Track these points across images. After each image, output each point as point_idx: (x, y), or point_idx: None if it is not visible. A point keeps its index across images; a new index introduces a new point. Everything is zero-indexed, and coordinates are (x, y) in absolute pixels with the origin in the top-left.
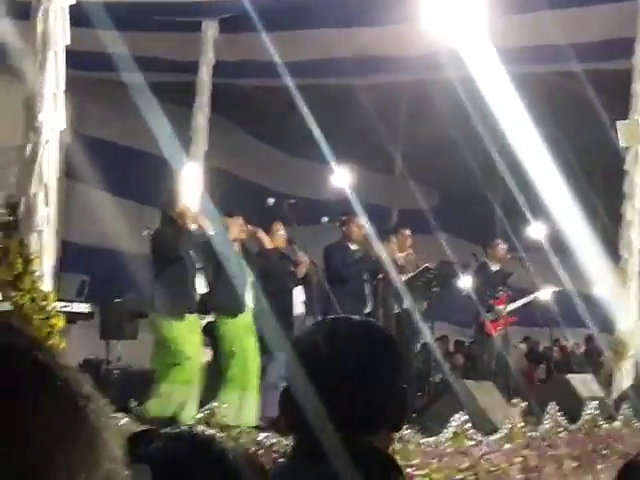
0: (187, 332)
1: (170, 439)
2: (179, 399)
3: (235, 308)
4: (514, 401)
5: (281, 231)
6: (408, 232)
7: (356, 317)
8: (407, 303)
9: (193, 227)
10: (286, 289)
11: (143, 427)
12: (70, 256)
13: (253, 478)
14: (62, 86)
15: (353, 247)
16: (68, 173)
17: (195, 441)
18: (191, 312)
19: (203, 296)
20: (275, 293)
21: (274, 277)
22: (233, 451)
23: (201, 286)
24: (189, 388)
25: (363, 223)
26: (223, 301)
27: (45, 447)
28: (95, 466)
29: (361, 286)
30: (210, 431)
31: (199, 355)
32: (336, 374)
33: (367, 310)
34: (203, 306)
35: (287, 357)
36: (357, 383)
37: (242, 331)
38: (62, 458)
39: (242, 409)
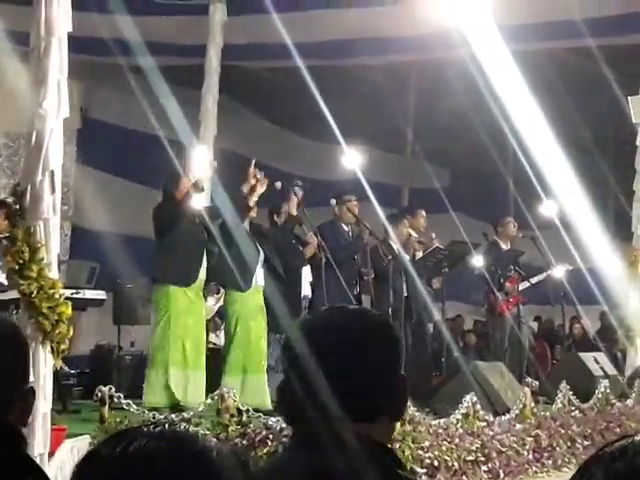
0: (184, 313)
1: (151, 438)
2: (174, 384)
3: (242, 283)
4: (526, 381)
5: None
6: (423, 213)
7: (351, 306)
8: (417, 284)
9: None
10: (294, 267)
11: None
12: (80, 242)
13: (238, 476)
14: (65, 73)
15: (346, 228)
16: (78, 158)
17: (177, 440)
18: (189, 282)
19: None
20: (285, 271)
21: (284, 254)
22: (217, 449)
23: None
24: (184, 372)
25: (355, 204)
26: (230, 275)
27: None
28: None
29: (352, 269)
30: (193, 428)
31: (197, 337)
32: (332, 364)
33: (355, 293)
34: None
35: (284, 348)
36: (353, 372)
37: (250, 312)
38: None
39: (243, 393)
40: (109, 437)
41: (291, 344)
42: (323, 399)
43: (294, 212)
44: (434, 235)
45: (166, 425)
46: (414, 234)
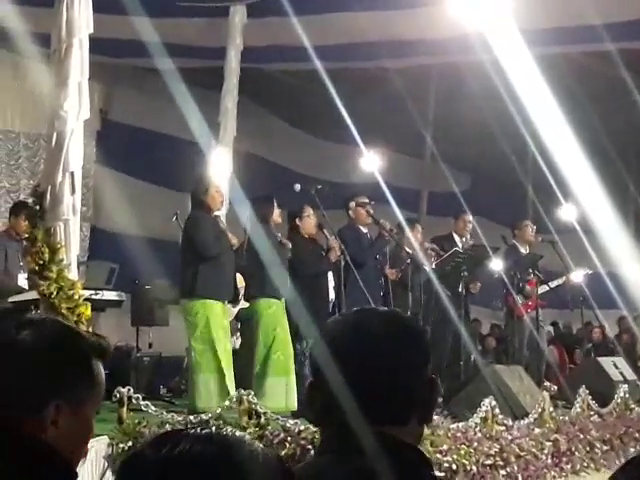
0: (220, 316)
1: (198, 441)
2: (219, 388)
3: (275, 291)
4: (545, 385)
5: (310, 216)
6: (469, 217)
7: (382, 308)
8: (437, 287)
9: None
10: (322, 272)
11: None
12: (99, 243)
13: None
14: (87, 74)
15: (364, 230)
16: (98, 159)
17: (224, 443)
18: (227, 297)
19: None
20: (311, 276)
21: (308, 259)
22: (263, 454)
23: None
24: (225, 375)
25: (369, 206)
26: (263, 283)
27: None
28: None
29: (375, 270)
30: (239, 433)
31: (228, 341)
32: (362, 366)
33: (381, 294)
34: (237, 293)
35: (312, 350)
36: (384, 375)
37: (281, 315)
38: None
39: (288, 395)
40: (154, 438)
41: (319, 347)
42: (353, 403)
43: (312, 230)
44: (469, 236)
45: (213, 428)
46: (459, 238)
